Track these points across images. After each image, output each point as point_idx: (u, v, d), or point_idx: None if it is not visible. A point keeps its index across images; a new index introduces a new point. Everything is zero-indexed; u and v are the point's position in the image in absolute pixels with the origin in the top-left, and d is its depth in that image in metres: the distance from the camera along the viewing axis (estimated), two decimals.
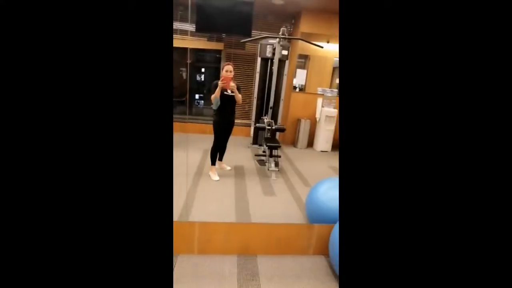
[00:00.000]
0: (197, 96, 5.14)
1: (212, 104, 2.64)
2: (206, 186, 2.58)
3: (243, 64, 4.58)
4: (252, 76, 4.61)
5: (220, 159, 3.01)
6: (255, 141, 3.99)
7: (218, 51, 4.66)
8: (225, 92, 2.56)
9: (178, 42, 4.35)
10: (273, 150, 3.10)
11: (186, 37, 4.42)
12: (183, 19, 4.30)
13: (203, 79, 5.11)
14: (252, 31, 3.97)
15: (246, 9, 3.85)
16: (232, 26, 3.90)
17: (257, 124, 3.45)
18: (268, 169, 2.98)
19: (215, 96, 2.55)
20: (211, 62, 5.02)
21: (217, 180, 2.73)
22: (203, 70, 5.08)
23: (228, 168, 3.03)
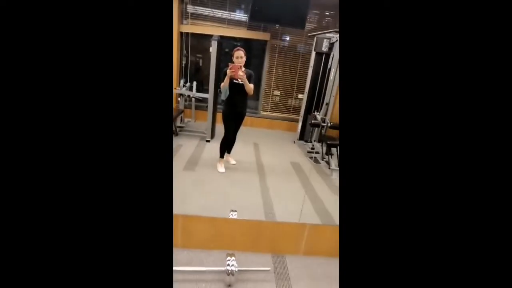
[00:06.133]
0: None
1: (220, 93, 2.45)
2: (276, 183, 2.55)
3: (287, 58, 4.47)
4: (295, 70, 4.51)
5: (229, 152, 2.88)
6: (302, 136, 3.95)
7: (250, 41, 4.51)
8: (234, 81, 2.39)
9: (208, 29, 4.22)
10: (331, 148, 3.07)
11: (219, 25, 4.29)
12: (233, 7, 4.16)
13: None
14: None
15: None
16: (287, 16, 3.78)
17: (313, 121, 3.39)
18: (329, 168, 2.96)
19: (224, 85, 2.41)
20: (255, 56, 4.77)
21: (223, 172, 2.64)
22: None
23: (233, 162, 2.87)
